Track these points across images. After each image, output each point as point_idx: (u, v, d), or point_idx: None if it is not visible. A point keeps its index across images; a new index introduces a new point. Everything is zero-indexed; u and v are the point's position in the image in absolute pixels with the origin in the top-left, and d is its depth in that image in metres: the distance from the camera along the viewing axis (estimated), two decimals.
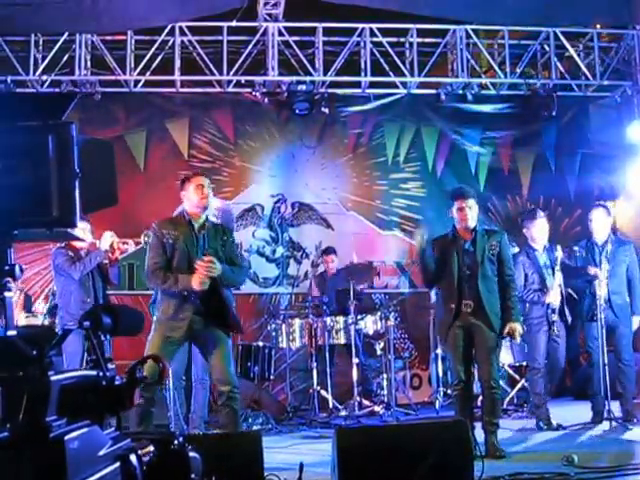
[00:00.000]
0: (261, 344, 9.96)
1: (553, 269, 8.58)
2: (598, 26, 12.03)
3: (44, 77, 11.18)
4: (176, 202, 11.43)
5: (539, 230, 8.76)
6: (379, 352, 10.25)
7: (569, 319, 8.73)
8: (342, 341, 10.28)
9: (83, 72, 11.30)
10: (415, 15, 11.29)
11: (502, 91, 12.23)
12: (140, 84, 11.56)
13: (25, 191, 2.46)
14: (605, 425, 8.27)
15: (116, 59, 11.38)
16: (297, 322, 10.34)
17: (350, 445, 5.33)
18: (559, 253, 8.54)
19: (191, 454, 2.80)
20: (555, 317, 8.54)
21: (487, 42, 12.36)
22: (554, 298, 8.56)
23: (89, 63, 11.40)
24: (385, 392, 9.90)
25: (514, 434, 8.43)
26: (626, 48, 12.04)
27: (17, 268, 2.47)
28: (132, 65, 11.40)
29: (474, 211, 7.14)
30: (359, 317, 10.08)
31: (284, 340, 10.27)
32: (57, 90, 11.17)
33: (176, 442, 2.81)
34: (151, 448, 2.69)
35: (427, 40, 11.98)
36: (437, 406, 10.12)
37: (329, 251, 11.15)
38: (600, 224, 8.74)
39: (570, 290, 9.45)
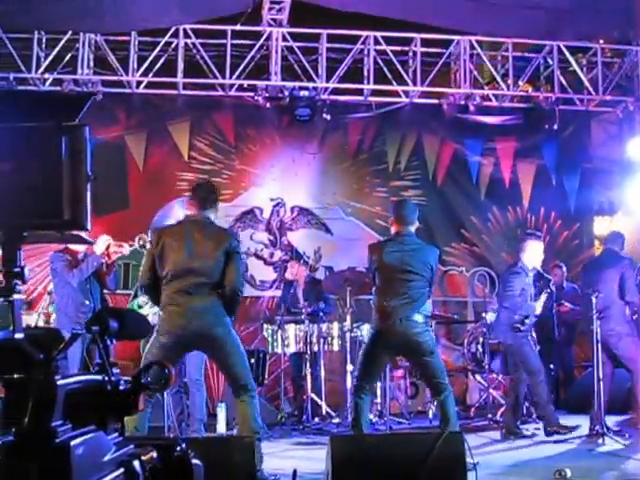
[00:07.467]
0: (255, 348, 9.93)
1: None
2: (602, 41, 12.05)
3: (46, 75, 11.14)
4: None
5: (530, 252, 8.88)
6: None
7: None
8: (336, 348, 10.29)
9: (85, 71, 11.27)
10: (419, 24, 11.32)
11: (504, 103, 12.22)
12: (142, 85, 11.52)
13: (37, 192, 2.44)
14: (596, 439, 8.31)
15: (119, 59, 11.34)
16: (292, 327, 10.30)
17: (344, 453, 5.34)
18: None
19: (194, 461, 2.79)
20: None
21: (490, 54, 12.37)
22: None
23: (92, 63, 11.38)
24: (379, 400, 9.88)
25: (503, 446, 8.46)
26: (629, 64, 12.07)
27: (26, 270, 2.45)
28: (135, 66, 11.36)
29: None
30: (355, 325, 10.07)
31: (279, 345, 10.24)
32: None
33: (179, 448, 2.79)
34: (154, 454, 2.67)
35: (431, 50, 11.96)
36: (430, 415, 10.10)
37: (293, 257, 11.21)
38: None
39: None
